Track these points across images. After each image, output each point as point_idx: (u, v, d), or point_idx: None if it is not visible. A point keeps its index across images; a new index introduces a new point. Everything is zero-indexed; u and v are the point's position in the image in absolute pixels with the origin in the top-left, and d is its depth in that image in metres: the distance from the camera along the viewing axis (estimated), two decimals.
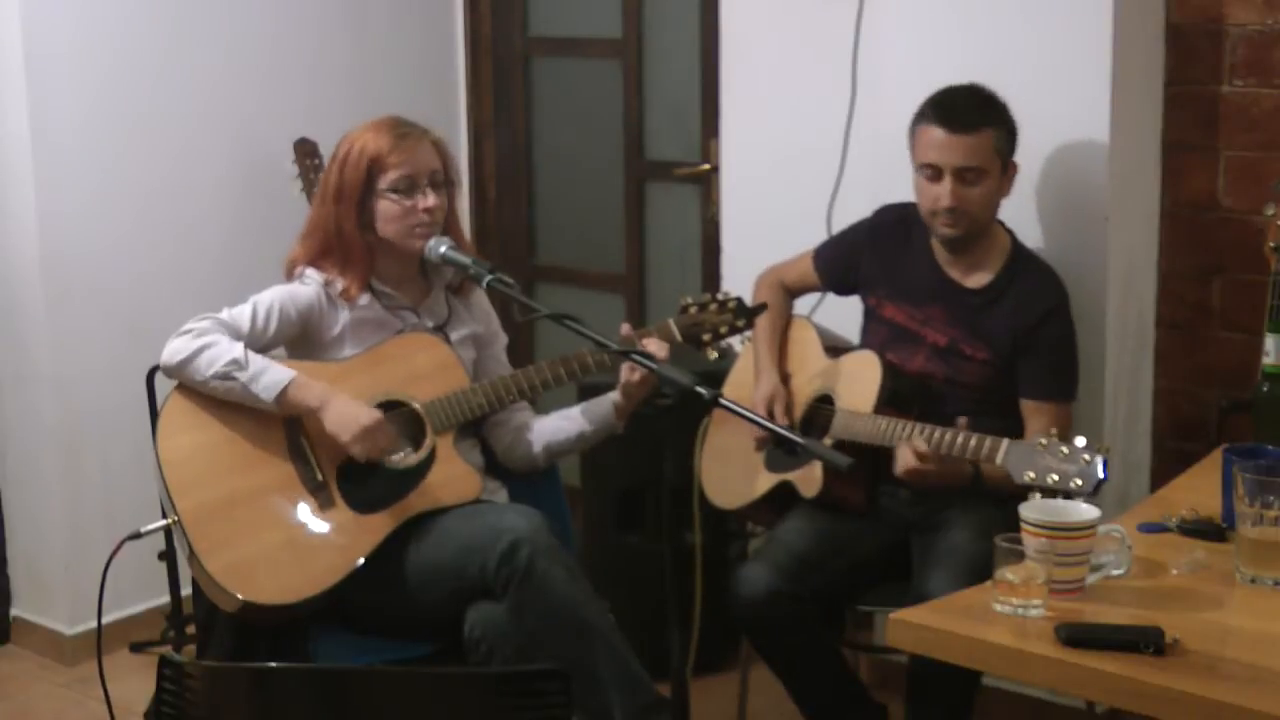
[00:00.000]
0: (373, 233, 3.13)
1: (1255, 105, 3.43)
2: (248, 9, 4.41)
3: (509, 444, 3.29)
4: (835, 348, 3.47)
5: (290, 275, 3.18)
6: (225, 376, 2.98)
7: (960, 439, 3.00)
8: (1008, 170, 3.21)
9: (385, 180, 3.10)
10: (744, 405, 2.71)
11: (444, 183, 3.16)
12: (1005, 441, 2.92)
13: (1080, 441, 2.78)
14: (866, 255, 3.40)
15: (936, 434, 3.04)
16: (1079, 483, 2.73)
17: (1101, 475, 2.72)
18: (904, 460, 3.04)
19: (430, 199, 3.11)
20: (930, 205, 3.21)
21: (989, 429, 2.99)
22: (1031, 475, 2.80)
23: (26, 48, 3.99)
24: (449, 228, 3.17)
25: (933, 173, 3.19)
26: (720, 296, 3.24)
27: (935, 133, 3.17)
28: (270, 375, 2.99)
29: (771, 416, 3.35)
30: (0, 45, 4.02)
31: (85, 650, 4.10)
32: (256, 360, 3.00)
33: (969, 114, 3.17)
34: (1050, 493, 2.74)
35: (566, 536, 3.22)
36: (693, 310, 3.22)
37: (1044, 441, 2.82)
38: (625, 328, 3.13)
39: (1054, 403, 3.21)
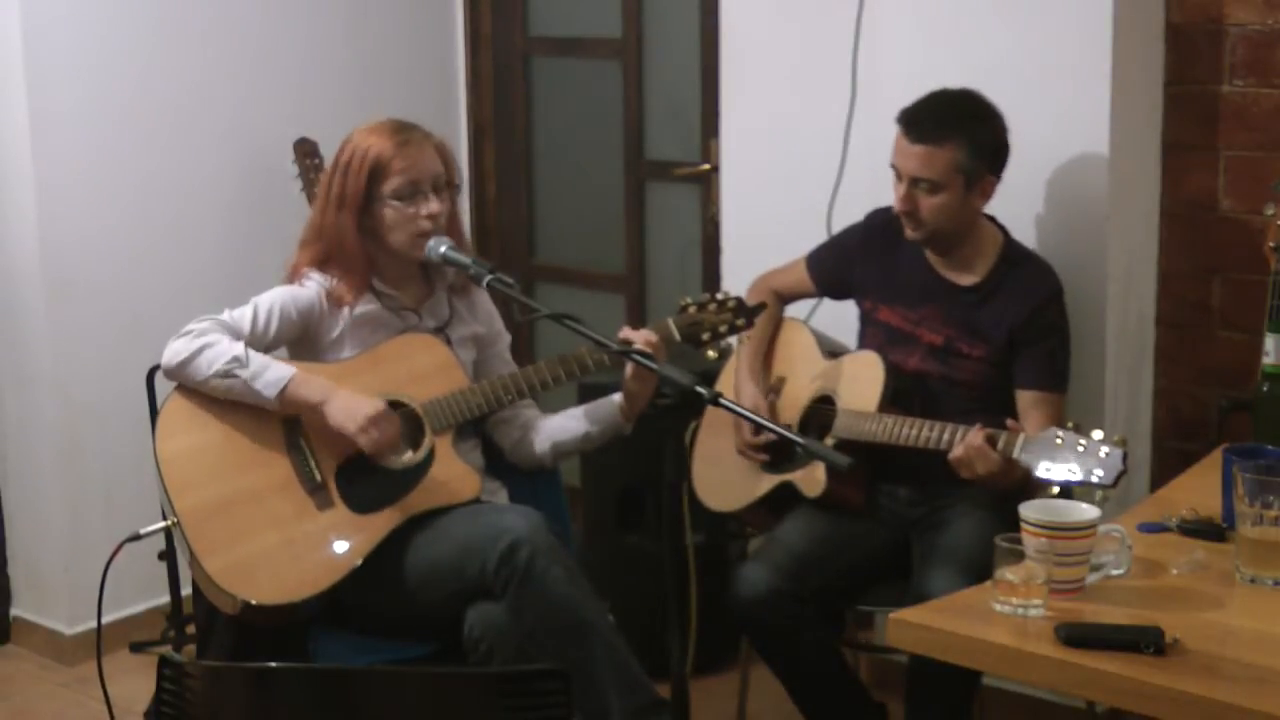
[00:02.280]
0: (374, 240, 3.12)
1: (1255, 105, 3.43)
2: (248, 8, 4.41)
3: (516, 440, 3.29)
4: (832, 350, 3.47)
5: (292, 278, 3.18)
6: (226, 375, 2.98)
7: (974, 430, 2.99)
8: (977, 186, 3.17)
9: (388, 186, 3.09)
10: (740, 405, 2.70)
11: (445, 185, 3.16)
12: (1021, 435, 2.92)
13: (1097, 434, 2.78)
14: (859, 259, 3.41)
15: (948, 430, 3.03)
16: (1100, 475, 2.73)
17: (1121, 467, 2.73)
18: (959, 448, 3.01)
19: (433, 204, 3.10)
20: (895, 205, 3.23)
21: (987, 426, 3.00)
22: (1050, 469, 2.80)
23: (26, 48, 3.99)
24: (450, 229, 3.16)
25: (895, 174, 3.21)
26: (719, 296, 3.24)
27: (899, 137, 3.19)
28: (272, 372, 2.99)
29: (758, 430, 3.33)
30: (0, 45, 4.02)
31: (85, 650, 4.10)
32: (257, 358, 3.00)
33: (929, 126, 3.14)
34: (1070, 486, 2.74)
35: (566, 536, 3.21)
36: (692, 310, 3.22)
37: (1061, 436, 2.82)
38: (625, 331, 3.12)
39: (1051, 392, 3.21)
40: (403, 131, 3.12)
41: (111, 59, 4.15)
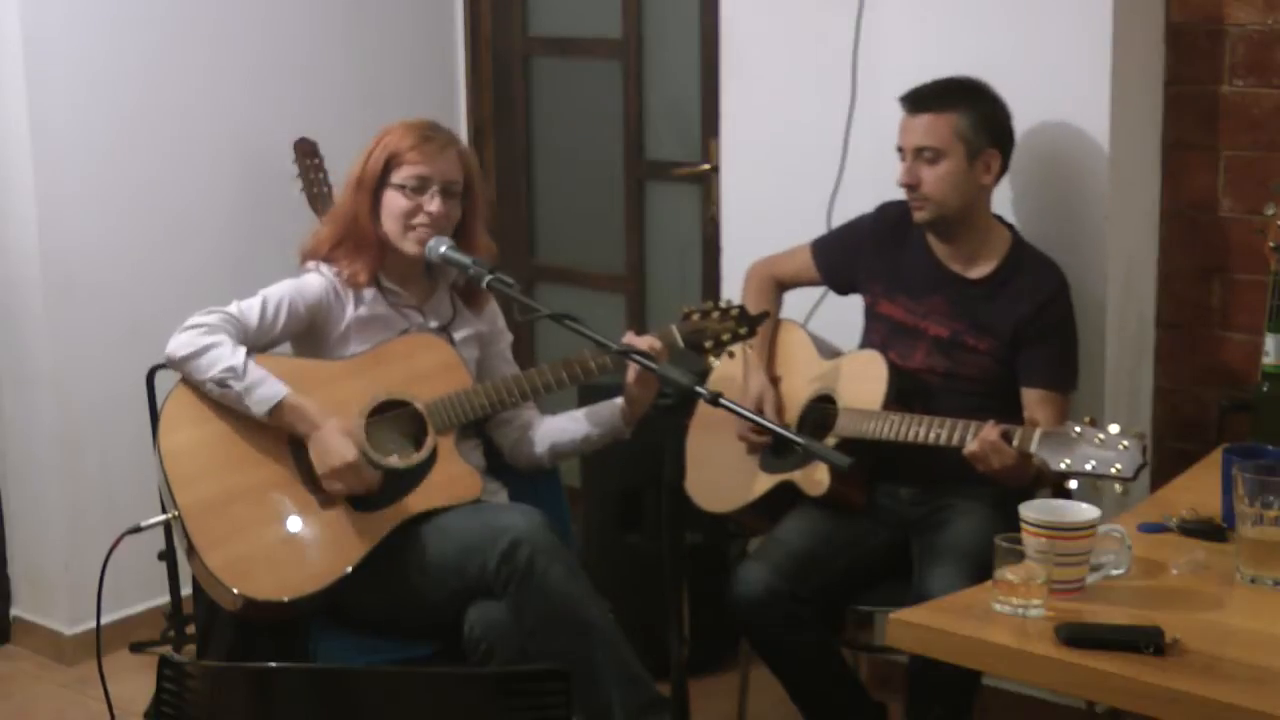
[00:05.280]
0: (382, 225, 3.15)
1: (1255, 105, 3.43)
2: (248, 8, 4.40)
3: (514, 441, 3.29)
4: (829, 351, 3.46)
5: (303, 263, 3.19)
6: (221, 383, 2.99)
7: (989, 425, 2.99)
8: (980, 158, 3.19)
9: (399, 175, 3.12)
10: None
11: (459, 194, 3.17)
12: (1038, 430, 2.92)
13: (1114, 428, 2.77)
14: (867, 250, 3.40)
15: (959, 427, 3.03)
16: (1119, 468, 2.73)
17: (1141, 460, 2.72)
18: (974, 442, 3.01)
19: (435, 205, 3.11)
20: (899, 180, 3.24)
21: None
22: (1068, 463, 2.79)
23: (27, 50, 3.98)
24: (465, 240, 3.17)
25: (901, 155, 3.23)
26: (723, 304, 3.24)
27: (902, 115, 3.23)
28: (264, 390, 2.99)
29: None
30: (0, 48, 4.02)
31: (85, 650, 4.10)
32: (254, 372, 3.00)
33: (929, 96, 3.21)
34: (1090, 480, 2.74)
35: (566, 536, 3.22)
36: (695, 317, 3.21)
37: (1078, 429, 2.81)
38: (629, 336, 3.12)
39: (1057, 391, 3.21)
40: (429, 130, 3.17)
41: (111, 60, 4.15)
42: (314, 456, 3.00)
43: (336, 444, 2.99)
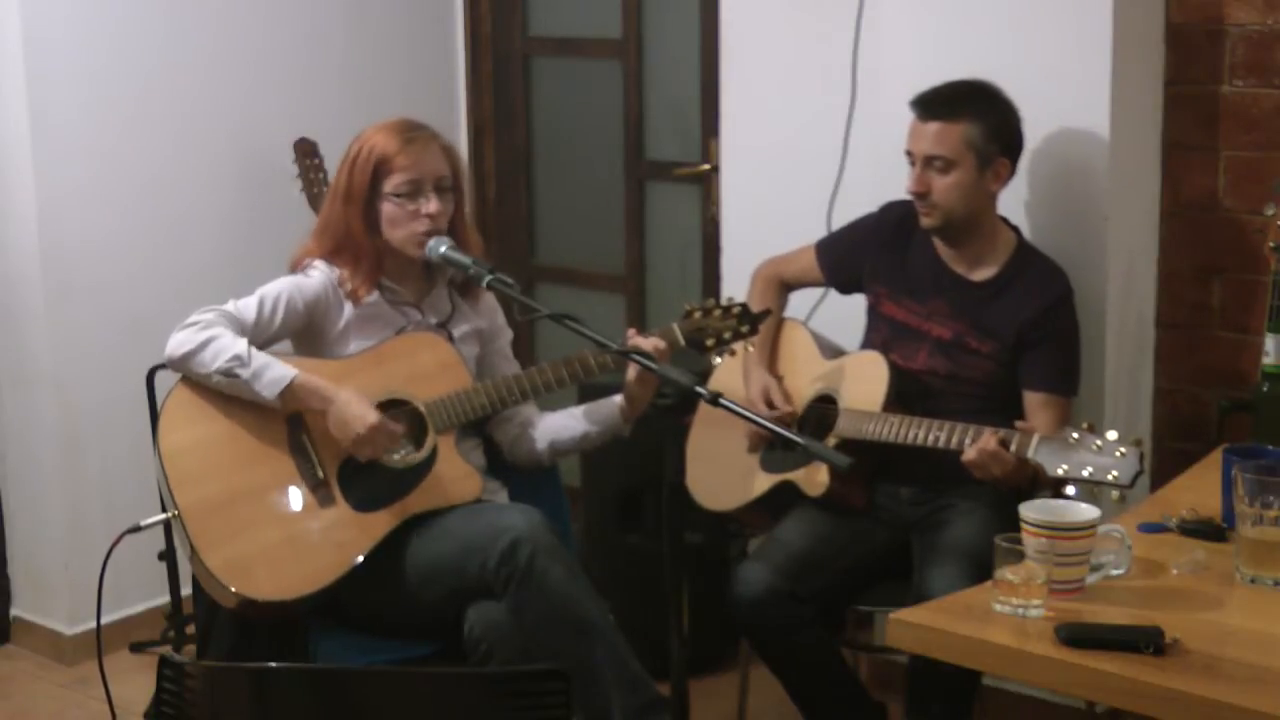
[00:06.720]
0: (379, 235, 3.13)
1: (1255, 105, 3.43)
2: (248, 7, 4.41)
3: (514, 438, 3.29)
4: (832, 351, 3.46)
5: (296, 267, 3.18)
6: (228, 373, 2.98)
7: (987, 434, 2.99)
8: (990, 167, 3.18)
9: (390, 183, 3.11)
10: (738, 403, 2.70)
11: (450, 188, 3.16)
12: (1036, 435, 2.92)
13: (1112, 435, 2.78)
14: (871, 251, 3.40)
15: (959, 430, 3.03)
16: (1116, 475, 2.73)
17: (1138, 468, 2.73)
18: (971, 451, 3.01)
19: (433, 205, 3.11)
20: (908, 187, 3.23)
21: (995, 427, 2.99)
22: (1065, 469, 2.80)
23: (26, 49, 3.98)
24: (456, 233, 3.17)
25: (910, 159, 3.22)
26: (725, 302, 3.24)
27: (912, 120, 3.21)
28: (272, 373, 2.99)
29: (773, 406, 3.35)
30: (0, 46, 4.03)
31: (85, 650, 4.10)
32: (259, 357, 3.01)
33: (941, 104, 3.18)
34: (1087, 486, 2.74)
35: (566, 536, 3.22)
36: (696, 315, 3.21)
37: (1076, 435, 2.82)
38: (631, 335, 3.12)
39: (1058, 395, 3.21)
40: (410, 130, 3.14)
41: (111, 59, 4.15)
42: (335, 429, 3.00)
43: (356, 411, 2.99)
